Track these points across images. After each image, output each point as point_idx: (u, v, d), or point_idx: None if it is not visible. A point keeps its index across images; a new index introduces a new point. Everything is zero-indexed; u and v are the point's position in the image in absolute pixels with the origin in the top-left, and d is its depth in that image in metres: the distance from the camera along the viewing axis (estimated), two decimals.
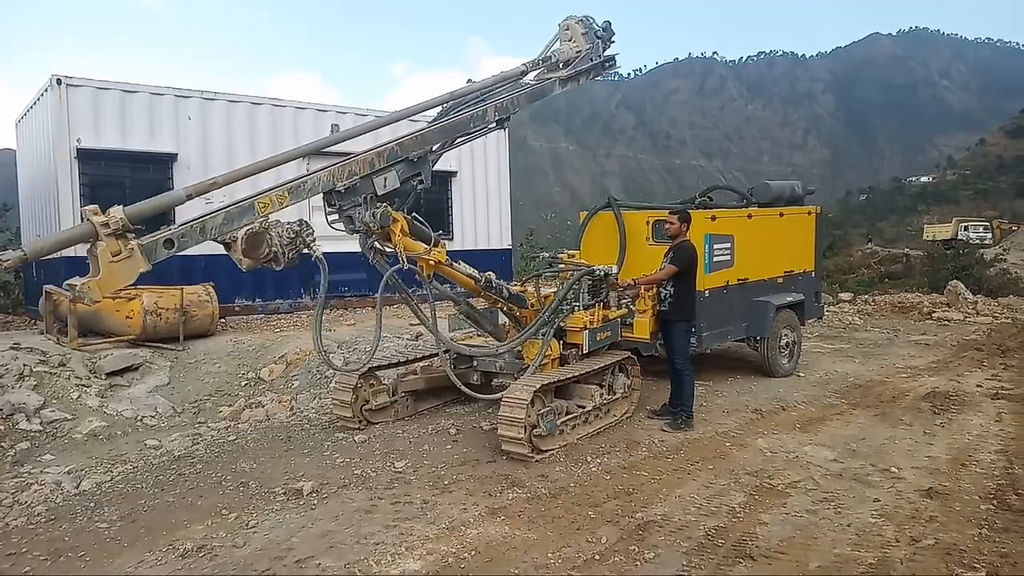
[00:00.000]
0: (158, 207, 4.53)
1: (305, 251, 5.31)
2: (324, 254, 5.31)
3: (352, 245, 6.12)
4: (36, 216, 12.49)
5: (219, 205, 4.94)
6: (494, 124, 6.66)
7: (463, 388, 6.46)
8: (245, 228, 4.87)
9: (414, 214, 6.10)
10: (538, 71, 7.20)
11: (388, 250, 5.93)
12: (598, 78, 7.64)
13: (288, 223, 5.26)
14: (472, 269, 6.57)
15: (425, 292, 6.33)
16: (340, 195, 5.56)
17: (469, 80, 6.86)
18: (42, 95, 11.36)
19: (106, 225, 4.17)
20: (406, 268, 5.94)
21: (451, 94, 6.43)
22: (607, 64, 7.53)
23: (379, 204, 5.74)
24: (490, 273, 6.74)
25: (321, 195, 5.54)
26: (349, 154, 5.71)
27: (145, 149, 11.20)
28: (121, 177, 11.22)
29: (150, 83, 11.65)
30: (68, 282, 4.27)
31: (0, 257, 3.94)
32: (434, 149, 6.12)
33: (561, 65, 7.23)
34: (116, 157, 11.00)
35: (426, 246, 6.05)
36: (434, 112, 6.65)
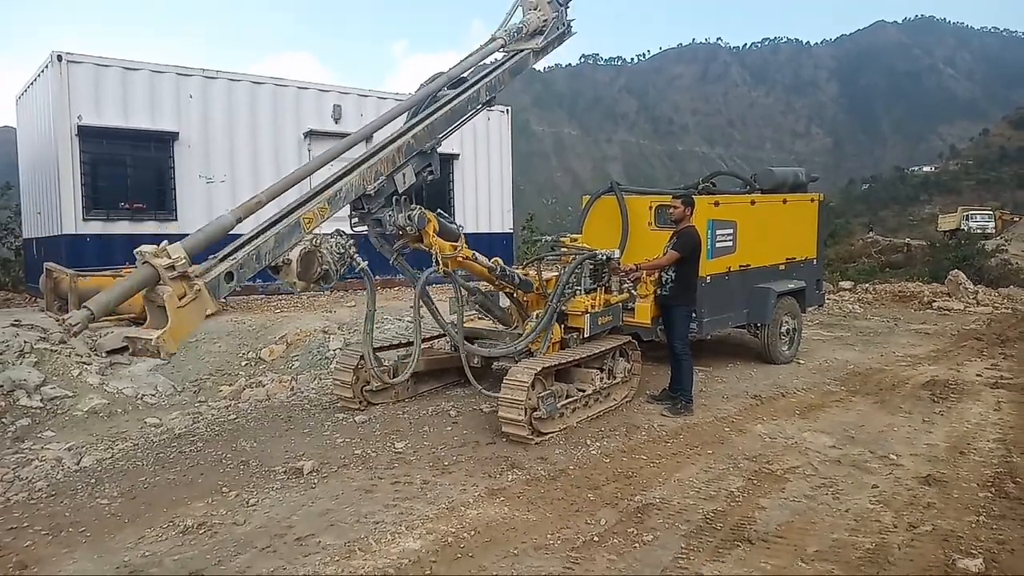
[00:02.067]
0: (212, 237, 4.19)
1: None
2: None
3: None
4: (37, 195, 12.46)
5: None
6: (484, 104, 6.43)
7: (477, 386, 6.43)
8: (298, 249, 4.71)
9: (439, 210, 6.04)
10: (512, 44, 6.83)
11: (407, 250, 5.83)
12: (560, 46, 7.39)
13: (333, 236, 5.13)
14: (486, 259, 6.53)
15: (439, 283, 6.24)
16: (369, 198, 5.33)
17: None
18: (42, 71, 11.30)
19: (171, 268, 3.76)
20: (442, 273, 5.87)
21: (447, 76, 6.16)
22: (570, 30, 7.32)
23: (413, 205, 5.61)
24: (497, 259, 6.73)
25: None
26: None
27: (146, 127, 11.16)
28: (122, 156, 11.19)
29: (150, 60, 11.59)
30: (128, 335, 3.91)
31: (69, 321, 3.59)
32: (439, 137, 5.96)
33: (531, 35, 6.91)
34: (117, 135, 10.96)
35: (453, 244, 5.97)
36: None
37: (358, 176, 5.08)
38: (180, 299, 3.79)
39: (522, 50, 6.77)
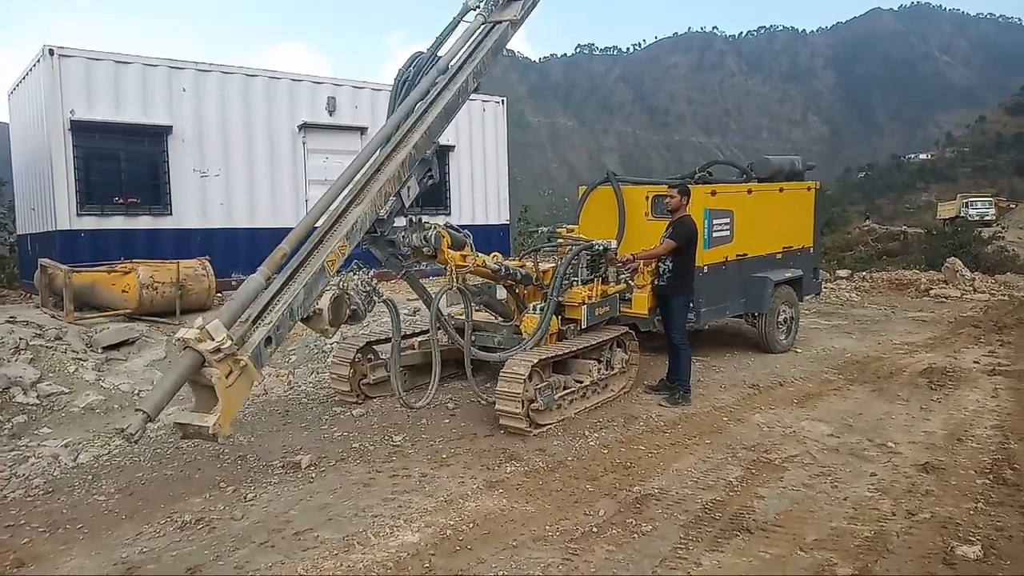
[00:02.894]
0: (246, 304, 4.07)
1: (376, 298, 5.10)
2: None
3: None
4: (30, 190, 12.40)
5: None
6: (472, 91, 6.13)
7: (477, 389, 6.43)
8: (327, 295, 4.61)
9: (447, 222, 6.01)
10: (492, 16, 6.42)
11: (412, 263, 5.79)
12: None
13: (356, 274, 5.04)
14: (492, 261, 6.50)
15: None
16: (382, 222, 5.18)
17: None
18: (34, 66, 11.22)
19: (217, 350, 3.63)
20: (454, 288, 5.85)
21: (437, 68, 5.85)
22: None
23: (427, 224, 5.53)
24: (496, 255, 6.71)
25: None
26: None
27: (139, 121, 11.09)
28: (115, 150, 11.12)
29: (142, 54, 11.52)
30: (179, 421, 3.76)
31: (128, 430, 3.45)
32: (437, 139, 5.73)
33: (507, 3, 6.53)
34: (110, 129, 10.90)
35: (463, 254, 5.95)
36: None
37: (369, 203, 4.89)
38: (227, 377, 3.68)
39: (500, 22, 6.37)
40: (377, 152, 5.24)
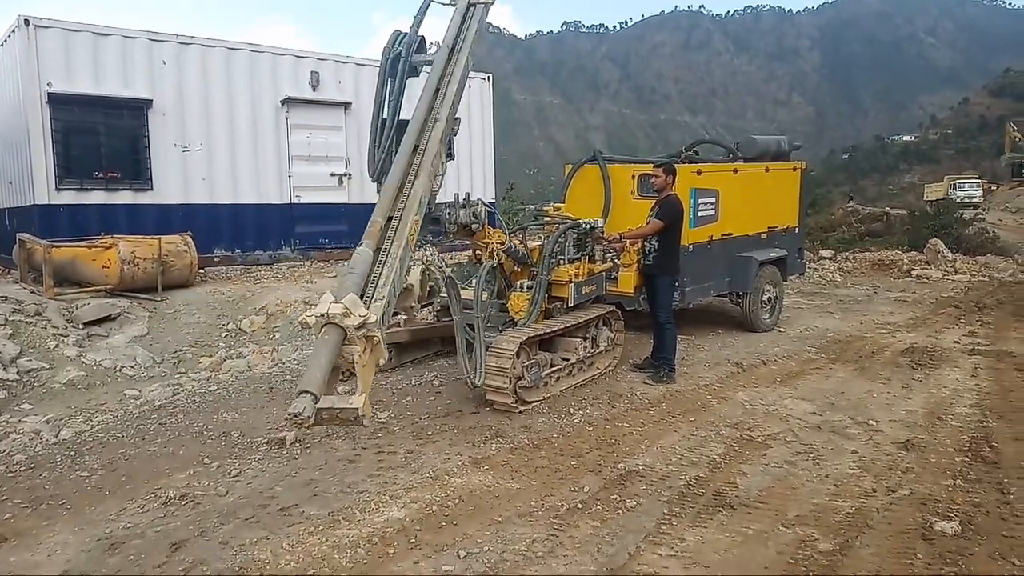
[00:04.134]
0: (365, 275, 3.95)
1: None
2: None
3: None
4: (7, 164, 12.15)
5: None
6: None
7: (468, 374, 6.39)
8: (416, 271, 4.51)
9: (479, 199, 5.97)
10: None
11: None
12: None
13: (429, 252, 4.97)
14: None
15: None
16: (431, 198, 5.08)
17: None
18: (8, 36, 10.96)
19: (361, 326, 3.51)
20: (494, 263, 5.85)
21: (439, 51, 5.85)
22: None
23: (474, 201, 5.49)
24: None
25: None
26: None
27: (119, 94, 10.88)
28: (95, 124, 10.91)
29: (122, 25, 11.27)
30: (321, 407, 3.41)
31: (297, 414, 3.19)
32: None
33: None
34: (89, 103, 10.68)
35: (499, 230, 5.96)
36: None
37: (426, 176, 4.81)
38: (364, 354, 3.56)
39: (476, 4, 6.33)
40: (418, 130, 5.17)
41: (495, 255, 5.81)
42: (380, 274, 4.06)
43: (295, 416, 3.19)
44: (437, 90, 5.52)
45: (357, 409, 3.42)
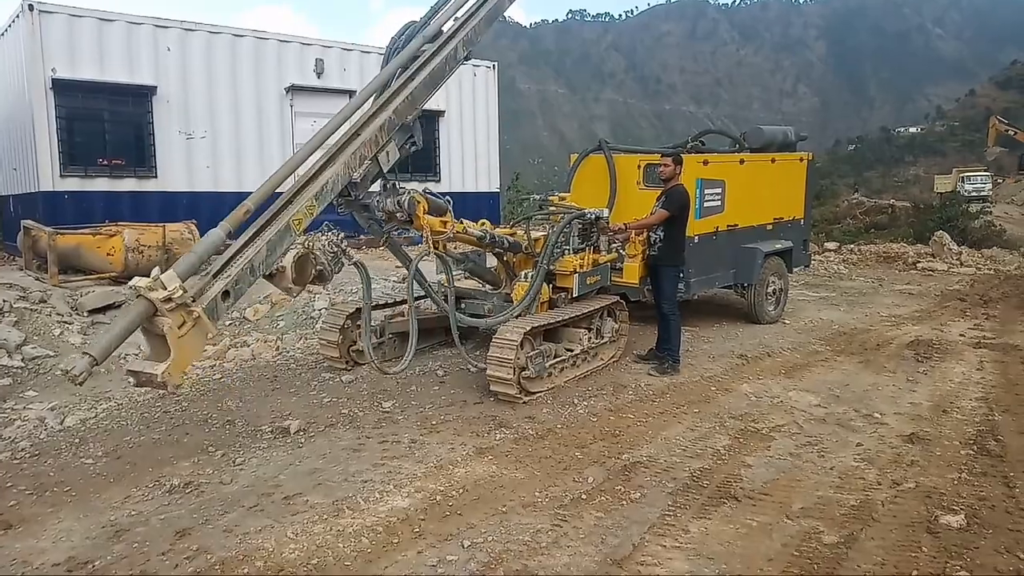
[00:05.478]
0: (204, 257, 4.02)
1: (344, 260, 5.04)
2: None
3: None
4: (12, 151, 12.15)
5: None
6: (462, 59, 5.90)
7: (468, 357, 6.40)
8: (291, 253, 4.55)
9: (426, 187, 5.91)
10: None
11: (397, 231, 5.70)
12: None
13: (324, 235, 4.98)
14: (477, 228, 6.41)
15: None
16: (355, 185, 5.07)
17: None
18: (13, 21, 10.93)
19: (168, 300, 3.60)
20: (431, 254, 5.76)
21: (423, 35, 5.63)
22: None
23: (401, 188, 5.43)
24: (485, 222, 6.64)
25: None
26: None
27: (123, 81, 10.87)
28: (99, 110, 10.92)
29: (126, 12, 11.23)
30: (131, 369, 3.73)
31: (71, 372, 3.36)
32: (421, 105, 5.49)
33: None
34: (93, 89, 10.69)
35: (443, 220, 5.85)
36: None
37: (342, 165, 4.77)
38: (180, 328, 3.65)
39: None
40: (355, 116, 5.14)
41: (430, 244, 5.67)
42: (238, 254, 4.12)
43: (66, 373, 3.44)
44: (405, 76, 5.38)
45: (155, 375, 3.59)
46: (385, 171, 5.25)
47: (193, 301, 3.72)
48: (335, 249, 4.94)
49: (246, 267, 4.07)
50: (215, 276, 3.96)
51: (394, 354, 7.09)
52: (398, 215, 5.46)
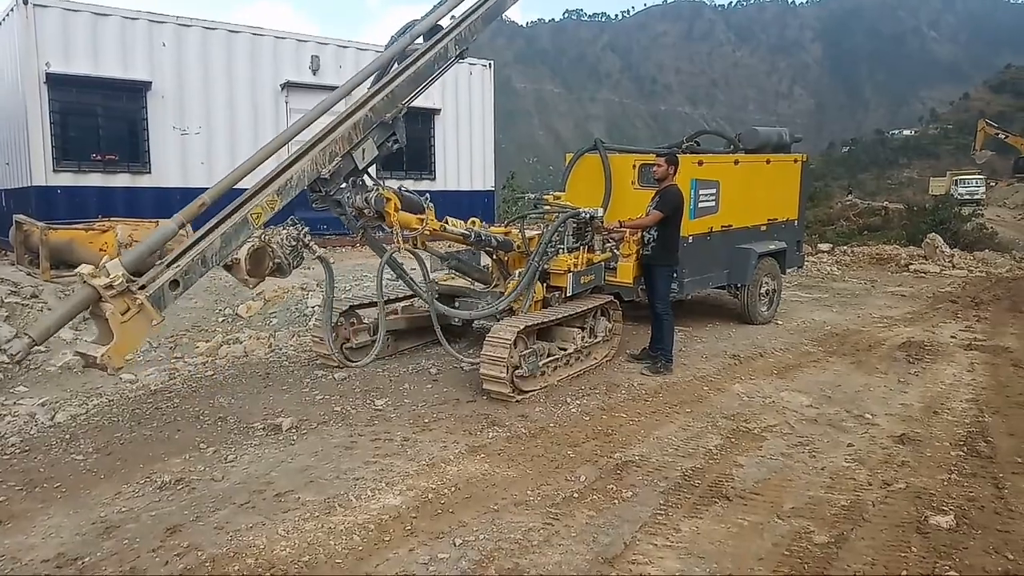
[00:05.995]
0: (154, 248, 4.13)
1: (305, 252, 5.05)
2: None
3: None
4: (5, 145, 12.09)
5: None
6: (455, 58, 5.87)
7: (454, 353, 6.39)
8: (246, 247, 4.58)
9: (401, 186, 5.88)
10: None
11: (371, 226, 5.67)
12: None
13: (286, 228, 5.00)
14: (461, 226, 6.37)
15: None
16: (325, 181, 5.07)
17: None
18: (7, 16, 10.88)
19: (110, 287, 3.77)
20: (403, 250, 5.72)
21: (416, 30, 5.72)
22: None
23: (370, 187, 5.42)
24: (475, 220, 6.63)
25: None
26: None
27: (118, 76, 10.82)
28: (93, 105, 10.88)
29: (121, 6, 11.19)
30: (78, 350, 3.91)
31: (8, 351, 3.52)
32: (404, 103, 5.49)
33: None
34: (87, 84, 10.64)
35: (419, 217, 5.81)
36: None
37: (310, 161, 4.80)
38: (123, 314, 3.82)
39: None
40: (340, 107, 5.16)
41: (400, 240, 5.62)
42: (190, 245, 4.20)
43: (4, 351, 3.52)
44: (389, 72, 5.39)
45: (95, 357, 3.76)
46: (360, 168, 5.25)
47: (139, 289, 3.87)
48: (294, 243, 4.96)
49: (197, 258, 4.18)
50: (169, 266, 4.08)
51: (387, 352, 7.09)
52: (366, 211, 5.43)
